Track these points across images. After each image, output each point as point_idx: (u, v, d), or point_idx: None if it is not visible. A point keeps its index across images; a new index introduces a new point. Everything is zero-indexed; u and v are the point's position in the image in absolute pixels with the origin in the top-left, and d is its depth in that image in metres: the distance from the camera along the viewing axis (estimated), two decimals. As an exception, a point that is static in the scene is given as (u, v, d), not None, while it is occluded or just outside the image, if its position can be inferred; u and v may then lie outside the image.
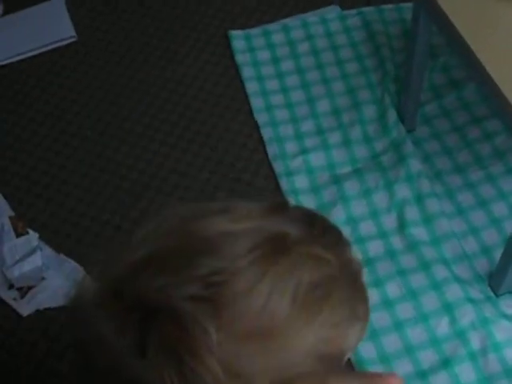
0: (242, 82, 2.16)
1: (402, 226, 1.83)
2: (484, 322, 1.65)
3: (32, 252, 1.80)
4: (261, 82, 2.15)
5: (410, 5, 2.07)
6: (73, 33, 2.28)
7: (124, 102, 2.14)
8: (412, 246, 1.79)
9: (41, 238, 1.85)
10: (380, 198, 1.89)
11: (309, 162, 1.97)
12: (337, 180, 1.93)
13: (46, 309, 1.75)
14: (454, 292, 1.70)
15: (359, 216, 1.86)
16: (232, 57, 2.22)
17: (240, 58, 2.20)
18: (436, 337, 1.65)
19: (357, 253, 0.57)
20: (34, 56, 2.25)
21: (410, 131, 2.01)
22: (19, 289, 1.78)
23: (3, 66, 2.23)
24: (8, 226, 1.85)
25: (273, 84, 2.15)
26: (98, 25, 2.32)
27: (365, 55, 2.20)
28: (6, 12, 2.36)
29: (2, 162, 2.03)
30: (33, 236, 1.84)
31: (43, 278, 1.80)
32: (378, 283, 1.74)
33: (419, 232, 1.81)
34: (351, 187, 1.91)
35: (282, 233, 0.51)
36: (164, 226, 0.52)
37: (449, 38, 1.58)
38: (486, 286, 1.73)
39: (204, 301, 0.47)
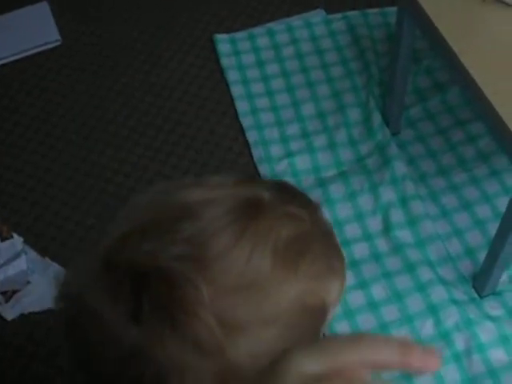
0: (227, 85, 2.16)
1: (386, 228, 1.84)
2: (468, 323, 1.66)
3: (17, 256, 1.79)
4: (246, 86, 2.16)
5: (394, 9, 2.09)
6: (58, 36, 2.28)
7: (109, 105, 2.14)
8: (397, 248, 1.80)
9: (25, 241, 1.84)
10: (365, 201, 1.90)
11: (294, 165, 1.97)
12: (322, 183, 1.93)
13: (30, 313, 1.74)
14: (438, 294, 1.71)
15: (344, 219, 1.87)
16: (217, 60, 2.22)
17: (225, 62, 2.21)
18: (421, 338, 1.66)
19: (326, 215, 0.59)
20: (19, 60, 2.24)
21: (394, 134, 2.02)
22: (3, 293, 1.77)
23: (-13, 70, 2.23)
24: (-8, 229, 1.84)
25: (258, 87, 2.15)
26: (82, 29, 2.32)
27: (349, 59, 2.21)
28: (-10, 15, 2.35)
29: (-14, 165, 2.02)
30: (17, 240, 1.83)
31: (28, 282, 1.79)
32: (364, 285, 1.75)
33: (404, 234, 1.82)
34: (336, 190, 1.92)
35: (257, 196, 0.54)
36: (143, 201, 0.54)
37: (432, 42, 1.60)
38: (470, 287, 1.75)
39: (190, 259, 0.48)
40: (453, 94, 2.10)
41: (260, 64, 2.21)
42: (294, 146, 2.02)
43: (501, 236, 1.57)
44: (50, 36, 2.28)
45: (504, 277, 1.73)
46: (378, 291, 1.74)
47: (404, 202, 1.88)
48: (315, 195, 1.91)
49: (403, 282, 1.74)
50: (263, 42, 2.25)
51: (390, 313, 1.70)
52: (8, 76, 2.21)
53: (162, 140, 2.06)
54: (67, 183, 1.98)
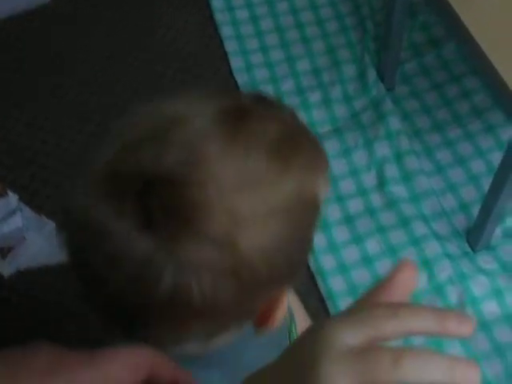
0: (221, 41, 2.14)
1: (381, 183, 1.85)
2: (462, 277, 1.68)
3: (12, 213, 1.79)
4: (240, 41, 2.14)
5: (389, -38, 2.06)
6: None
7: (100, 66, 2.12)
8: (391, 203, 1.81)
9: (21, 199, 1.84)
10: (359, 157, 1.90)
11: (289, 121, 1.96)
12: (318, 139, 1.93)
13: (27, 269, 1.75)
14: (432, 248, 1.72)
15: (339, 174, 1.87)
16: (211, 16, 2.20)
17: (219, 17, 2.18)
18: (415, 292, 1.67)
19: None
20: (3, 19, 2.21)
21: (389, 90, 2.01)
22: (0, 249, 1.77)
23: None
24: (-13, 187, 1.84)
25: (252, 43, 2.13)
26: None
27: (344, 14, 2.19)
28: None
29: (-21, 123, 2.01)
30: (12, 197, 1.83)
31: (24, 239, 1.79)
32: (358, 240, 1.76)
33: (398, 189, 1.83)
34: (331, 146, 1.91)
35: (240, 102, 0.56)
36: (134, 117, 0.56)
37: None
38: (463, 241, 1.76)
39: (188, 163, 0.50)
40: (448, 50, 2.09)
41: (254, 19, 2.18)
42: (289, 102, 2.00)
43: (494, 190, 1.57)
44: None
45: (498, 231, 1.74)
46: (372, 246, 1.75)
47: (399, 157, 1.88)
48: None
49: (397, 236, 1.76)
50: (257, -4, 2.22)
51: (384, 267, 1.71)
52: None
53: (156, 96, 2.04)
54: (62, 141, 1.97)
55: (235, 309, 0.53)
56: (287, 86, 2.04)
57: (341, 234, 1.78)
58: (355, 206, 1.82)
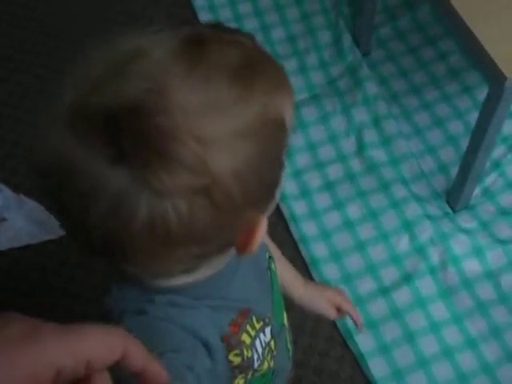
0: (194, 11, 2.12)
1: (360, 148, 1.85)
2: (442, 237, 1.69)
3: (-10, 193, 1.78)
4: (213, 12, 2.11)
5: None
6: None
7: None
8: (371, 167, 1.81)
9: (-2, 179, 1.83)
10: (338, 123, 1.90)
11: (266, 90, 1.95)
12: (295, 107, 1.92)
13: (9, 249, 1.74)
14: (412, 210, 1.73)
15: (318, 141, 1.87)
16: (183, -13, 2.17)
17: (191, -13, 2.15)
18: (397, 254, 1.68)
19: None
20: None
21: (365, 55, 2.01)
22: (-20, 230, 1.76)
23: None
24: (-36, 168, 1.82)
25: (225, 13, 2.11)
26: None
27: (318, -20, 2.17)
28: None
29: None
30: (-10, 178, 1.82)
31: (4, 219, 1.78)
32: (339, 206, 1.76)
33: (378, 154, 1.83)
34: (309, 113, 1.91)
35: (198, 32, 0.57)
36: (93, 54, 0.56)
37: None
38: (443, 202, 1.77)
39: (151, 91, 0.51)
40: (423, 12, 2.08)
41: (227, -12, 2.16)
42: (265, 70, 1.99)
43: (472, 150, 1.58)
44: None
45: (477, 191, 1.76)
46: (353, 210, 1.75)
47: (377, 121, 1.88)
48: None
49: (378, 200, 1.76)
50: (229, -35, 2.20)
51: (366, 231, 1.72)
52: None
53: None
54: (36, 119, 1.95)
55: (215, 233, 0.55)
56: (263, 54, 2.02)
57: (322, 200, 1.78)
58: (335, 171, 1.82)
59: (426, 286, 1.64)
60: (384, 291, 1.64)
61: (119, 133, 0.50)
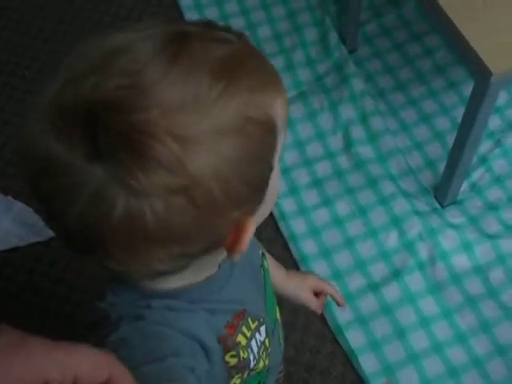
0: (180, 10, 2.12)
1: (348, 145, 1.85)
2: (431, 232, 1.69)
3: (-23, 196, 1.77)
4: (200, 11, 2.11)
5: None
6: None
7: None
8: (358, 164, 1.82)
9: (-15, 181, 1.82)
10: (325, 120, 1.90)
11: (253, 88, 1.95)
12: (282, 105, 1.92)
13: (-3, 251, 1.74)
14: (401, 206, 1.74)
15: (306, 138, 1.87)
16: (168, -14, 2.17)
17: (177, -13, 2.15)
18: (386, 250, 1.69)
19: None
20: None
21: (351, 52, 2.01)
22: (-33, 233, 1.75)
23: None
24: (-50, 171, 1.81)
25: (212, 12, 2.11)
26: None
27: (303, -23, 2.17)
28: None
29: None
30: (-23, 180, 1.81)
31: (-9, 221, 1.77)
32: (328, 203, 1.77)
33: (365, 150, 1.84)
34: (296, 110, 1.91)
35: (184, 28, 0.56)
36: (76, 52, 0.55)
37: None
38: (431, 198, 1.78)
39: (130, 87, 0.50)
40: (408, 9, 2.09)
41: (212, -13, 2.16)
42: (252, 69, 1.99)
43: (458, 146, 1.59)
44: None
45: (464, 186, 1.76)
46: (342, 207, 1.76)
47: (364, 118, 1.89)
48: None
49: (366, 196, 1.77)
50: (214, -36, 2.20)
51: (354, 228, 1.73)
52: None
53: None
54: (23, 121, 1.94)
55: (197, 233, 0.54)
56: (249, 52, 2.02)
57: (310, 197, 1.78)
58: (323, 168, 1.82)
59: (415, 281, 1.64)
60: (373, 287, 1.65)
61: (95, 129, 0.49)
